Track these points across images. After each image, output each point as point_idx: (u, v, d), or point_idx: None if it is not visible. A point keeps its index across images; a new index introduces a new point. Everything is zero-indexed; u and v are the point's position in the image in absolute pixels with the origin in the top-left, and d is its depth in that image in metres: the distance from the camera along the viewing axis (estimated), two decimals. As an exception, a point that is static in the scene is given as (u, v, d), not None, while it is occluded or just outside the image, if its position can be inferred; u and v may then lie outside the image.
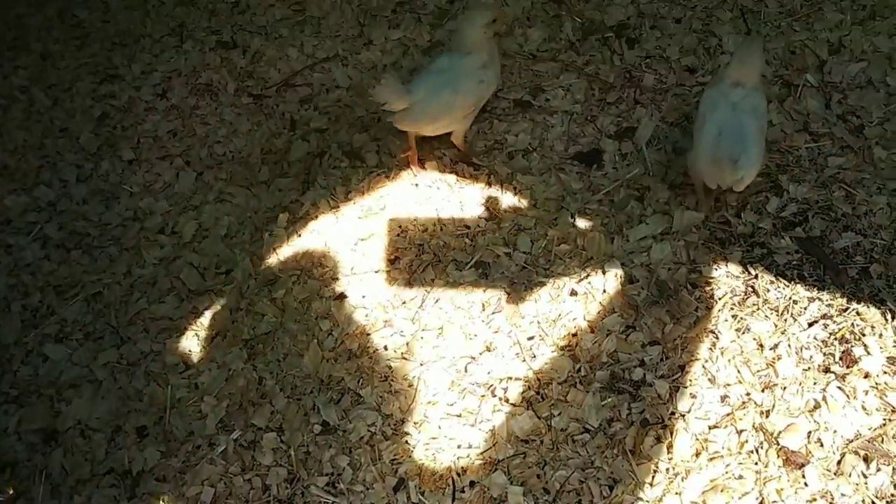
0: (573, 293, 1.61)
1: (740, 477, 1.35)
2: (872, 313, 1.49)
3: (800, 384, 1.43)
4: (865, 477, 1.33)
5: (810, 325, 1.49)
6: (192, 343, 1.72)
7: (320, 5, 2.49)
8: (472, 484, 1.43)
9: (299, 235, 1.85)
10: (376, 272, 1.74)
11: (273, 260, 1.82)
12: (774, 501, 1.32)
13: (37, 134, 2.24)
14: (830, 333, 1.48)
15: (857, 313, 1.50)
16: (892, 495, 1.31)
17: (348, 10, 2.47)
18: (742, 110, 1.56)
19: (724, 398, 1.44)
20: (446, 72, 1.79)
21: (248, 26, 2.49)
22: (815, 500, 1.32)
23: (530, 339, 1.57)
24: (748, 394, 1.44)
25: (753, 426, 1.40)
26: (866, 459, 1.34)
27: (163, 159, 2.11)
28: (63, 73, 2.43)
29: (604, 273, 1.63)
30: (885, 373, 1.42)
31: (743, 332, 1.51)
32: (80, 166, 2.12)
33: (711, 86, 1.66)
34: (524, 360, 1.55)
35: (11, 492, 1.57)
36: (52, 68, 2.46)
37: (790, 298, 1.54)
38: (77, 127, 2.24)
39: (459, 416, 1.51)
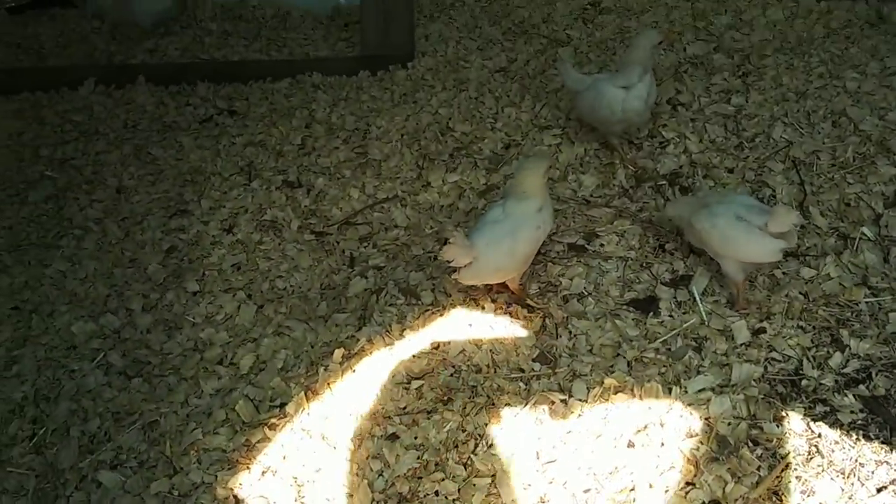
0: (630, 445, 1.58)
1: None
2: (946, 479, 1.43)
3: (872, 553, 1.36)
4: None
5: (879, 490, 1.44)
6: (243, 477, 1.72)
7: (381, 149, 2.63)
8: None
9: (353, 371, 1.87)
10: (429, 413, 1.74)
11: (327, 395, 1.83)
12: None
13: (107, 264, 2.34)
14: (902, 500, 1.42)
15: (930, 478, 1.44)
16: None
17: (408, 153, 2.59)
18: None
19: (791, 565, 1.38)
20: (504, 221, 1.85)
21: (312, 167, 2.62)
22: None
23: (586, 491, 1.53)
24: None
25: None
26: None
27: (226, 292, 2.17)
28: (136, 207, 2.56)
29: (662, 425, 1.60)
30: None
31: (808, 496, 1.45)
32: (146, 296, 2.20)
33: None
34: (580, 513, 1.51)
35: None
36: (125, 202, 2.60)
37: (856, 461, 1.49)
38: (146, 258, 2.34)
39: (512, 570, 1.46)
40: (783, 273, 1.89)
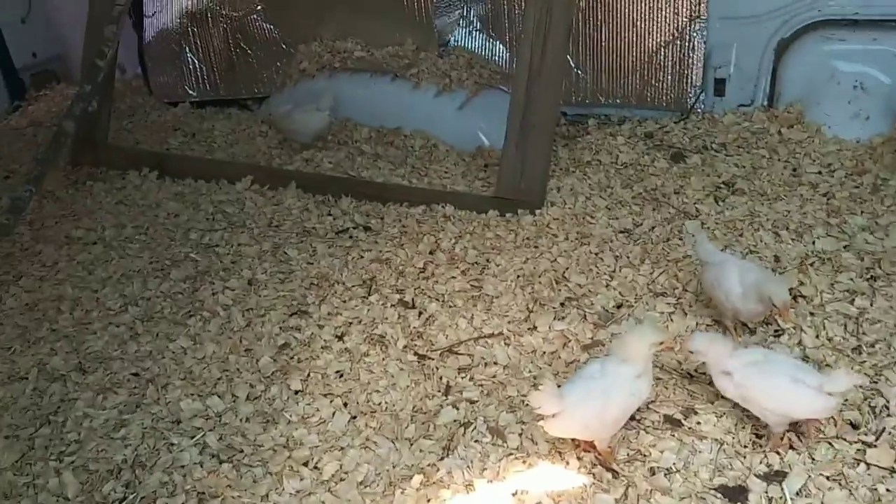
0: None
1: None
2: None
3: None
4: None
5: None
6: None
7: (496, 286, 2.72)
8: None
9: (428, 501, 1.89)
10: (495, 559, 1.73)
11: (398, 520, 1.85)
12: None
13: (225, 349, 2.50)
14: None
15: None
16: None
17: (520, 294, 2.67)
18: None
19: None
20: (599, 379, 1.87)
21: (428, 291, 2.74)
22: None
23: None
24: None
25: None
26: None
27: (325, 396, 2.27)
28: (262, 300, 2.75)
29: None
30: None
31: None
32: (252, 386, 2.33)
33: None
34: None
35: None
36: (254, 294, 2.80)
37: None
38: (260, 350, 2.48)
39: None
40: None
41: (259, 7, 4.46)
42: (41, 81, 5.36)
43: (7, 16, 4.98)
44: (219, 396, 2.29)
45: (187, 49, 4.67)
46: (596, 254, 2.85)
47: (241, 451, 2.10)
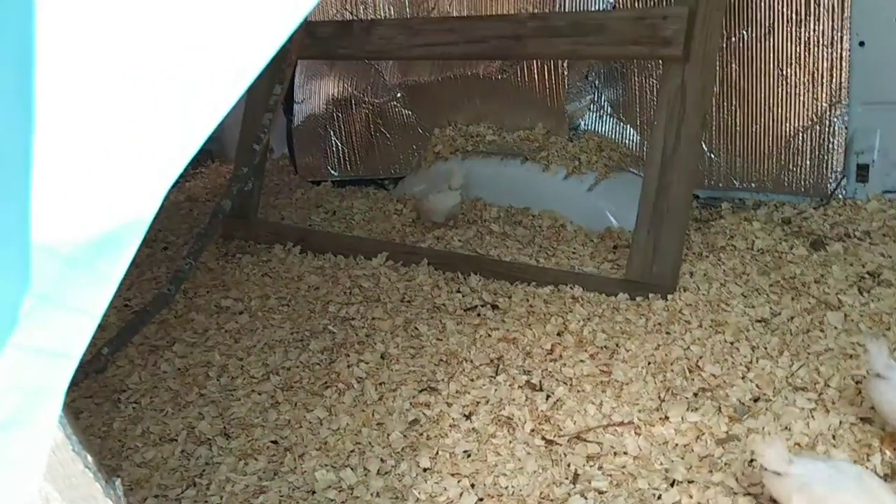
0: None
1: None
2: None
3: None
4: None
5: None
6: None
7: (626, 372, 2.70)
8: None
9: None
10: None
11: None
12: None
13: (358, 421, 2.60)
14: None
15: None
16: None
17: (651, 382, 2.63)
18: None
19: None
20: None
21: (556, 374, 2.75)
22: None
23: None
24: None
25: None
26: None
27: (453, 475, 2.31)
28: (394, 375, 2.85)
29: None
30: None
31: None
32: (383, 461, 2.40)
33: None
34: None
35: None
36: (386, 368, 2.90)
37: None
38: (391, 424, 2.56)
39: None
40: None
41: (399, 95, 4.73)
42: (199, 160, 5.85)
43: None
44: (351, 469, 2.37)
45: (331, 132, 4.99)
46: (731, 343, 2.78)
47: (372, 526, 2.16)
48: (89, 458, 0.77)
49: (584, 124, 4.35)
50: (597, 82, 4.28)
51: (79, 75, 0.60)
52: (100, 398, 2.98)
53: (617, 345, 2.87)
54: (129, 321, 3.16)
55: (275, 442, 2.57)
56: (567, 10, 4.05)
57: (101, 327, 3.51)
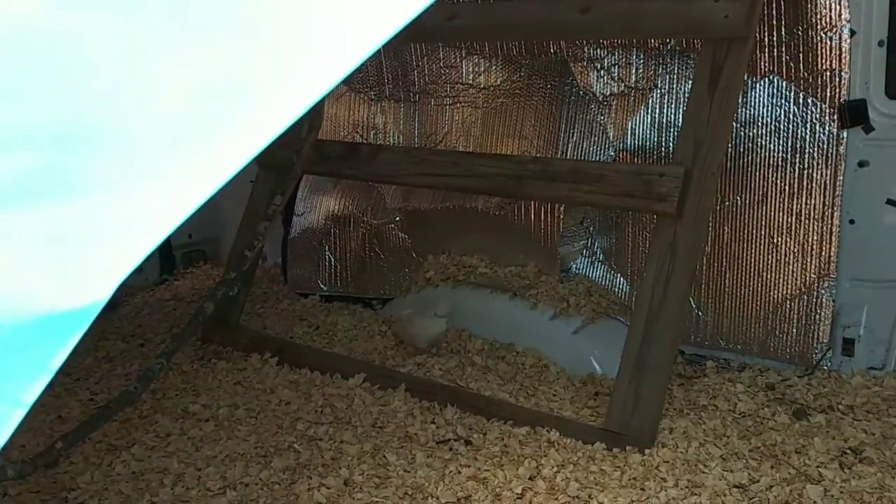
0: None
1: None
2: None
3: None
4: None
5: None
6: None
7: (596, 527, 2.59)
8: None
9: None
10: None
11: None
12: None
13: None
14: None
15: None
16: None
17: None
18: None
19: None
20: None
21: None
22: None
23: None
24: None
25: None
26: None
27: None
28: (355, 503, 2.72)
29: None
30: None
31: None
32: None
33: None
34: None
35: None
36: (348, 496, 2.78)
37: None
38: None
39: None
40: None
41: (397, 218, 4.80)
42: (190, 259, 5.86)
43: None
44: None
45: (326, 247, 5.02)
46: (707, 508, 2.69)
47: None
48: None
49: (576, 268, 4.39)
50: (591, 229, 4.36)
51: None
52: (46, 495, 2.85)
53: (589, 496, 2.77)
54: (90, 416, 3.06)
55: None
56: (569, 157, 4.18)
57: (61, 419, 3.41)
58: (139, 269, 4.87)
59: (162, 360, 3.35)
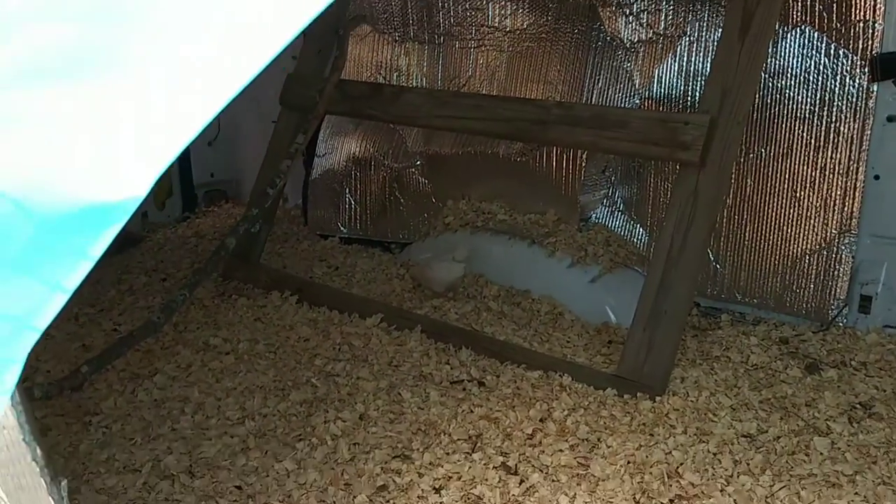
0: None
1: None
2: None
3: None
4: None
5: None
6: None
7: (604, 468, 2.63)
8: None
9: None
10: None
11: None
12: None
13: (326, 479, 2.54)
14: None
15: None
16: None
17: (628, 482, 2.57)
18: None
19: None
20: None
21: (533, 460, 2.69)
22: None
23: None
24: None
25: None
26: None
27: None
28: (369, 437, 2.79)
29: None
30: None
31: None
32: (344, 522, 2.34)
33: None
34: None
35: None
36: (363, 429, 2.85)
37: None
38: (359, 487, 2.50)
39: None
40: None
41: (418, 162, 4.80)
42: (212, 198, 5.92)
43: (197, 138, 5.60)
44: (311, 525, 2.31)
45: (347, 190, 5.04)
46: (714, 454, 2.73)
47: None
48: (38, 451, 0.75)
49: (596, 217, 4.39)
50: (613, 178, 4.34)
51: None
52: (71, 418, 2.94)
53: (599, 439, 2.82)
54: (114, 344, 3.14)
55: (239, 487, 2.51)
56: (594, 103, 4.15)
57: (85, 347, 3.50)
58: (161, 206, 4.97)
59: (185, 292, 3.42)
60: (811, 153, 3.63)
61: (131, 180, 0.63)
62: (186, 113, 0.67)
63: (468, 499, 2.47)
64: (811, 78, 3.58)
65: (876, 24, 3.38)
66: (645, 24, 4.01)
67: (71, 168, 0.61)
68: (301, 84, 4.36)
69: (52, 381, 2.88)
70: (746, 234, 3.85)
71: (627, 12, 4.05)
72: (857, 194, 3.56)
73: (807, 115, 3.61)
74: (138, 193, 0.64)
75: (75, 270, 0.63)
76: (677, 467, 2.65)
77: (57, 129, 0.61)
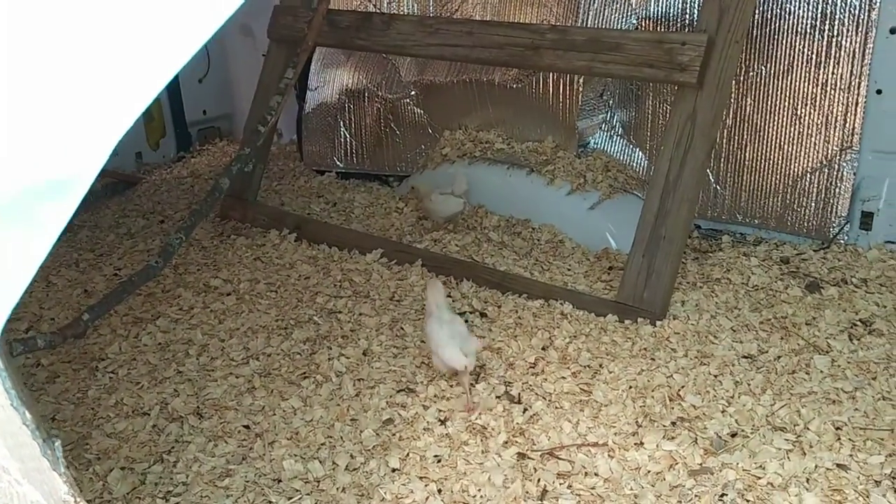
0: None
1: None
2: None
3: None
4: None
5: None
6: None
7: (606, 393, 2.67)
8: None
9: None
10: None
11: None
12: None
13: (332, 415, 2.58)
14: None
15: None
16: None
17: (631, 406, 2.60)
18: None
19: None
20: None
21: (536, 388, 2.72)
22: None
23: None
24: None
25: None
26: None
27: (421, 479, 2.28)
28: (373, 372, 2.82)
29: None
30: None
31: None
32: (353, 457, 2.38)
33: None
34: None
35: None
36: (367, 365, 2.87)
37: None
38: (365, 421, 2.54)
39: None
40: None
41: (413, 93, 4.71)
42: (206, 137, 5.85)
43: (187, 75, 5.50)
44: (320, 462, 2.35)
45: (341, 123, 4.97)
46: (715, 376, 2.76)
47: (333, 521, 2.13)
48: (28, 414, 0.75)
49: (594, 142, 4.33)
50: (611, 102, 4.26)
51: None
52: (78, 364, 2.97)
53: (600, 365, 2.84)
54: (113, 290, 3.14)
55: (246, 426, 2.55)
56: (589, 26, 4.04)
57: (87, 293, 3.50)
58: (156, 146, 4.91)
59: (181, 235, 3.40)
60: (812, 69, 3.55)
61: (88, 150, 0.61)
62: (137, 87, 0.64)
63: (473, 429, 2.51)
64: (812, -10, 3.47)
65: (879, -69, 3.25)
66: (641, -60, 3.87)
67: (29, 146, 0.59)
68: (289, 15, 4.24)
69: (54, 331, 2.89)
70: (747, 155, 3.80)
71: (622, -72, 3.90)
72: (858, 110, 3.50)
73: (808, 30, 3.52)
74: (97, 163, 0.62)
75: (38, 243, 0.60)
76: (679, 390, 2.68)
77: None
